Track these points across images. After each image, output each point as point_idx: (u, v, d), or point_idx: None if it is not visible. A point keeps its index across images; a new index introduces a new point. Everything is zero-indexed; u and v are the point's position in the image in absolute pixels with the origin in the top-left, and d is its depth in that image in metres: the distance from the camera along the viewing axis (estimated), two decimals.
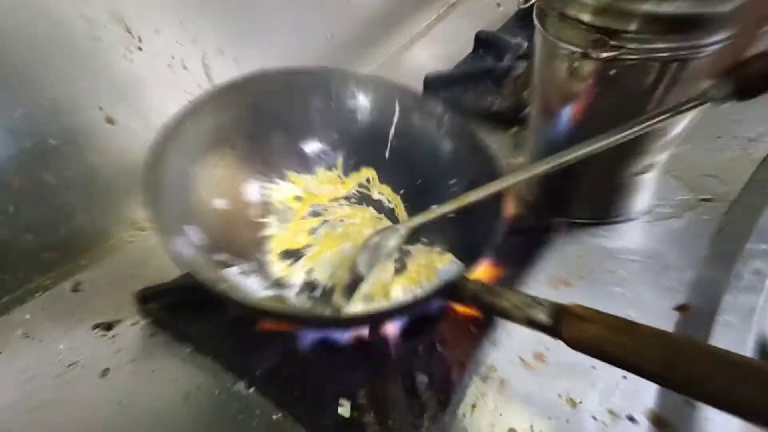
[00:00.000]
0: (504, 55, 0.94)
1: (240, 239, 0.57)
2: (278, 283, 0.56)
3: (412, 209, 0.64)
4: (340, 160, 0.67)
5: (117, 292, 0.57)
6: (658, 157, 0.57)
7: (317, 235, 0.62)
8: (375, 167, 0.67)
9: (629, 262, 0.60)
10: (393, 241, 0.56)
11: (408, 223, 0.57)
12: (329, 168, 0.67)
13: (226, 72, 0.70)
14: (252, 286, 0.55)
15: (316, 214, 0.64)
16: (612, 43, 0.45)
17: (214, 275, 0.51)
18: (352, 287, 0.55)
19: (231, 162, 0.57)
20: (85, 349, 0.53)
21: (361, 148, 0.66)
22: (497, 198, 0.54)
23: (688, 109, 0.46)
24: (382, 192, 0.68)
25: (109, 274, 0.61)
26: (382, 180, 0.67)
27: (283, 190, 0.64)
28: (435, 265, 0.58)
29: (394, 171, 0.67)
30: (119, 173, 0.63)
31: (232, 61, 0.71)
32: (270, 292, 0.56)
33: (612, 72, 0.47)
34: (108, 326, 0.55)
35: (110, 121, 0.60)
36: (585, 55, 0.47)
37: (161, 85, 0.63)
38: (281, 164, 0.63)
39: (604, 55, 0.45)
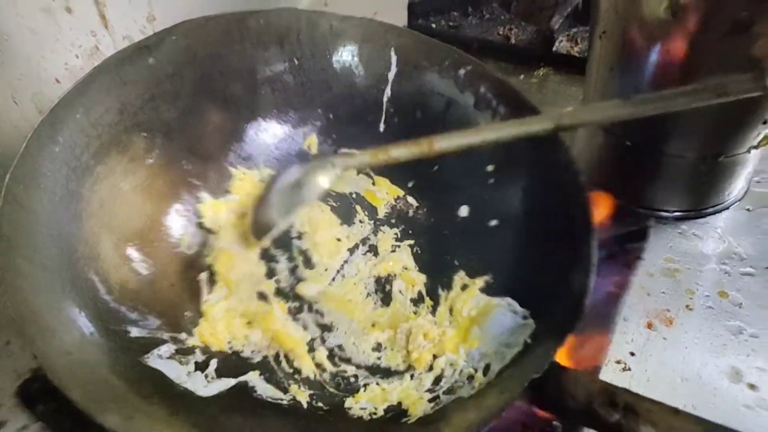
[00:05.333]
0: None
1: (167, 292, 0.41)
2: (233, 362, 0.40)
3: (432, 212, 0.50)
4: (312, 143, 0.51)
5: None
6: None
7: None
8: (364, 148, 0.50)
9: (743, 277, 0.49)
10: (323, 180, 0.39)
11: (352, 158, 0.41)
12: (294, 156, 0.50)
13: (132, 17, 0.53)
14: (194, 377, 0.37)
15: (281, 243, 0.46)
16: None
17: (124, 379, 0.33)
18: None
19: (143, 164, 0.43)
20: None
21: (342, 121, 0.51)
22: (576, 194, 0.39)
23: None
24: (379, 188, 0.50)
25: None
26: (376, 168, 0.50)
27: (227, 202, 0.46)
28: (487, 314, 0.40)
29: None
30: None
31: (143, 3, 0.53)
32: (220, 385, 0.37)
33: (743, 15, 0.38)
34: None
35: None
36: None
37: (34, 41, 0.48)
38: (221, 159, 0.48)
39: None
